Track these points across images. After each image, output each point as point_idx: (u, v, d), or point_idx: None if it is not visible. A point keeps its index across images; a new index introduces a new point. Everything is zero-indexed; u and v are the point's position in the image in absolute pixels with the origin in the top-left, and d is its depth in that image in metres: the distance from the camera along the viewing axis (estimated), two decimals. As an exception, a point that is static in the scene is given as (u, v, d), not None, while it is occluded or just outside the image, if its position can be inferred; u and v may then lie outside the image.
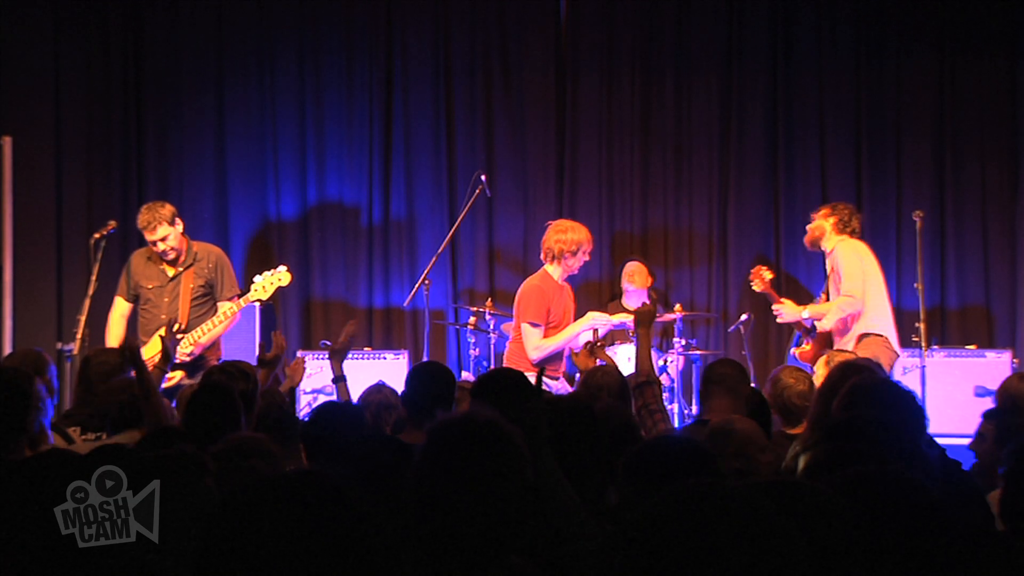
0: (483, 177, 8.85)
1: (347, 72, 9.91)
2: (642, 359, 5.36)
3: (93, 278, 7.47)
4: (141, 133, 9.75)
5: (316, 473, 1.81)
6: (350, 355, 8.81)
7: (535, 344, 7.31)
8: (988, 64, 9.82)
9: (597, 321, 7.37)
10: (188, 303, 7.34)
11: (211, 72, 9.82)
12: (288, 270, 7.36)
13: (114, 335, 7.39)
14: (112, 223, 7.82)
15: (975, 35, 9.81)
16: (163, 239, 7.25)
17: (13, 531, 2.45)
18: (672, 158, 9.95)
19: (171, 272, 7.40)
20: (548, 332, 7.39)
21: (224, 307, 7.30)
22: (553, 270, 7.52)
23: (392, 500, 2.54)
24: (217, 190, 9.75)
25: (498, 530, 2.30)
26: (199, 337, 7.18)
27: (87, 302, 7.34)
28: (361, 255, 9.90)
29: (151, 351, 7.12)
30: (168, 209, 7.33)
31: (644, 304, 5.66)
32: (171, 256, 7.33)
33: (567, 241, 7.45)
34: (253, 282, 7.31)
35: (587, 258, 7.58)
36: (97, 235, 7.66)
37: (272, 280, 7.27)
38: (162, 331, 7.00)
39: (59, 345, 8.58)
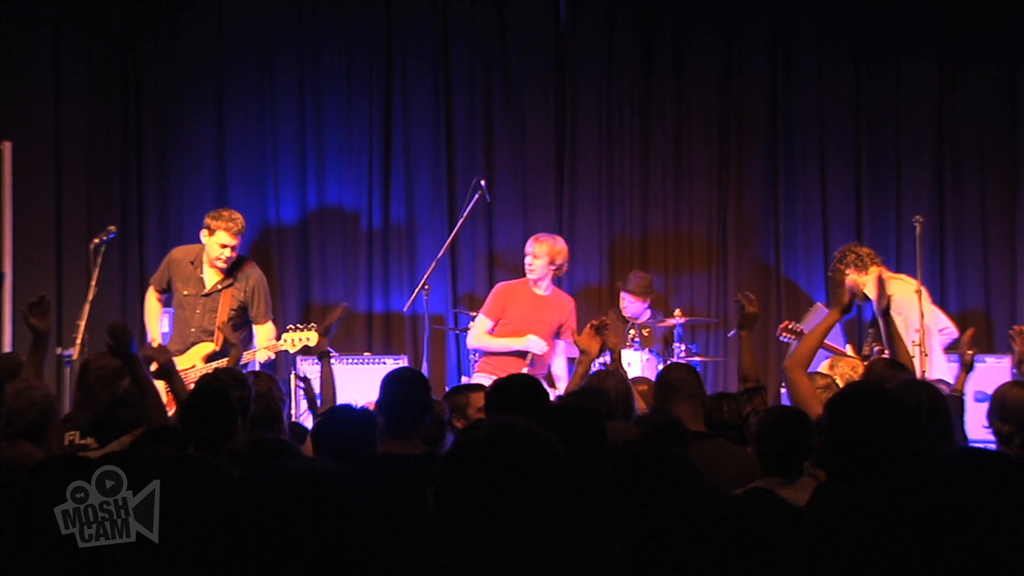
0: (483, 182, 8.86)
1: (347, 77, 9.91)
2: (748, 364, 5.32)
3: (93, 283, 7.48)
4: (141, 138, 9.75)
5: (311, 467, 1.81)
6: (349, 360, 8.87)
7: (477, 334, 7.94)
8: (987, 71, 9.83)
9: (531, 345, 7.73)
10: (222, 323, 7.46)
11: (211, 77, 9.82)
12: (318, 334, 7.39)
13: (154, 318, 7.56)
14: (111, 227, 7.83)
15: (974, 42, 9.83)
16: (233, 247, 7.51)
17: (13, 532, 2.45)
18: (672, 164, 9.95)
19: (208, 285, 7.51)
20: (504, 333, 7.87)
21: (263, 343, 7.45)
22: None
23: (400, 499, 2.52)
24: (217, 195, 9.73)
25: (530, 534, 2.28)
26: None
27: (87, 307, 7.34)
28: (361, 260, 9.90)
29: (185, 364, 7.21)
30: (244, 226, 7.63)
31: (747, 306, 5.49)
32: (225, 265, 7.51)
33: (561, 252, 8.00)
34: (284, 332, 7.38)
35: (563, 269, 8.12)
36: (96, 240, 7.67)
37: (301, 337, 7.33)
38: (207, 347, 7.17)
39: (59, 350, 8.57)
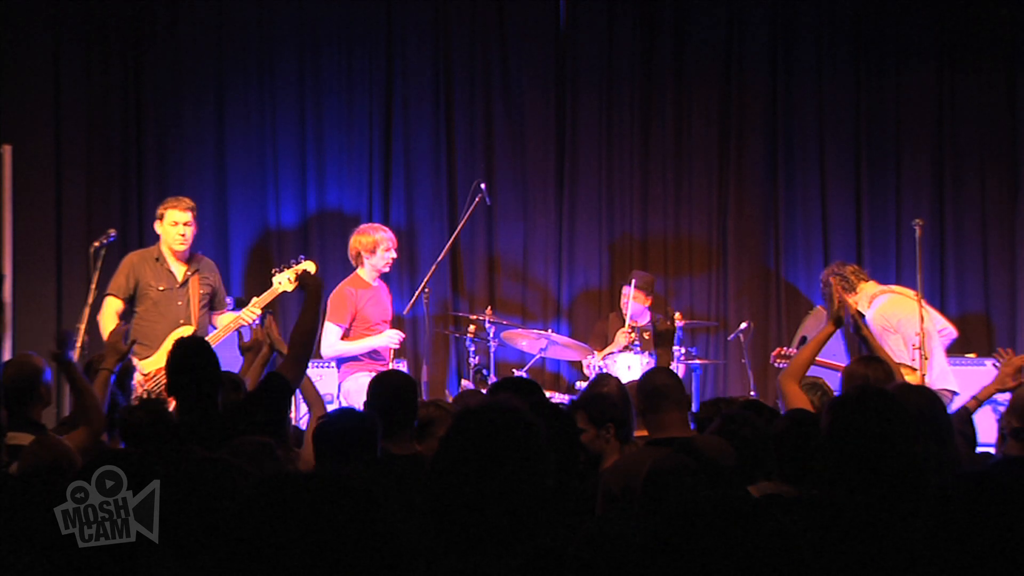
0: (483, 185, 8.87)
1: (347, 79, 9.92)
2: None
3: (93, 286, 7.46)
4: (141, 141, 9.75)
5: (344, 474, 1.81)
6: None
7: (330, 343, 7.75)
8: (986, 75, 9.83)
9: (391, 340, 7.84)
10: (198, 308, 7.44)
11: (211, 80, 9.82)
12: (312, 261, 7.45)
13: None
14: (111, 231, 7.82)
15: (973, 47, 9.83)
16: (187, 223, 7.47)
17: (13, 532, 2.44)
18: (672, 167, 9.95)
19: (180, 276, 7.49)
20: (362, 332, 7.82)
21: (230, 315, 7.39)
22: (363, 272, 7.98)
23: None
24: (217, 198, 9.74)
25: (516, 520, 2.28)
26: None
27: (87, 310, 7.33)
28: (361, 263, 9.89)
29: (161, 362, 7.13)
30: (193, 204, 7.60)
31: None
32: (183, 245, 7.48)
33: (362, 243, 7.96)
34: (273, 275, 7.35)
35: (391, 255, 8.02)
36: (96, 243, 7.66)
37: (298, 270, 7.30)
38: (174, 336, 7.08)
39: (58, 352, 8.56)
